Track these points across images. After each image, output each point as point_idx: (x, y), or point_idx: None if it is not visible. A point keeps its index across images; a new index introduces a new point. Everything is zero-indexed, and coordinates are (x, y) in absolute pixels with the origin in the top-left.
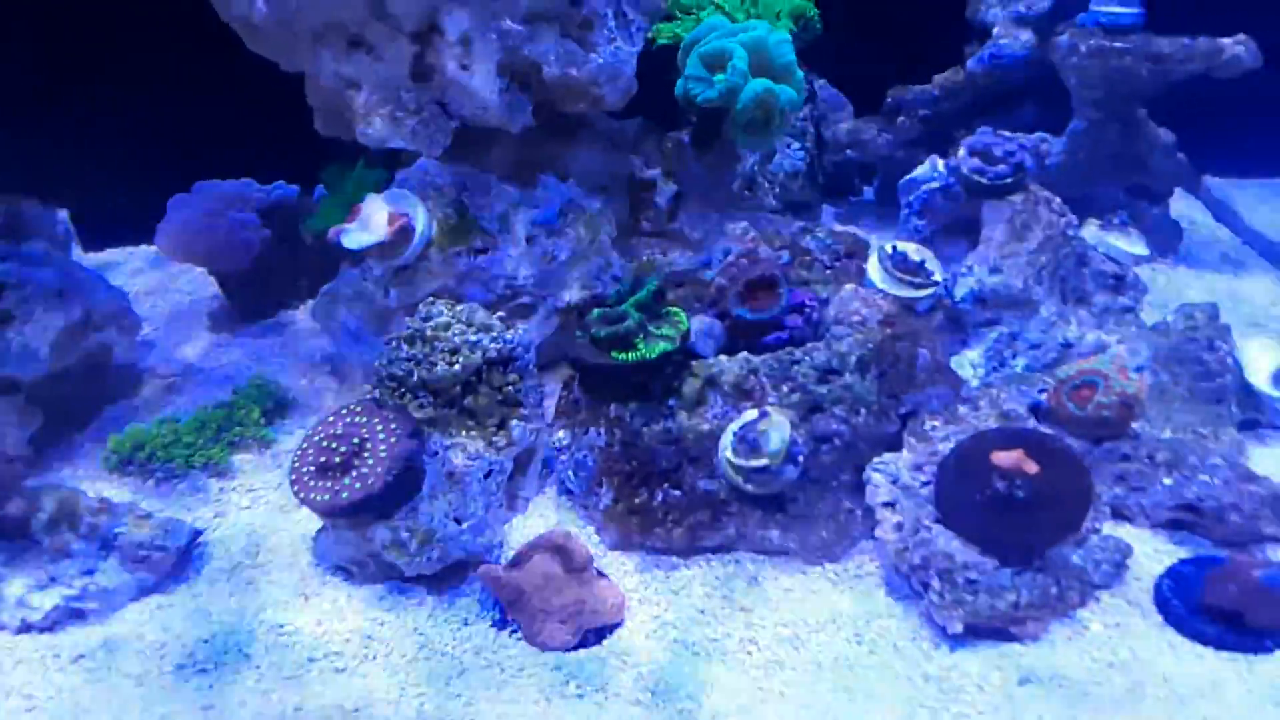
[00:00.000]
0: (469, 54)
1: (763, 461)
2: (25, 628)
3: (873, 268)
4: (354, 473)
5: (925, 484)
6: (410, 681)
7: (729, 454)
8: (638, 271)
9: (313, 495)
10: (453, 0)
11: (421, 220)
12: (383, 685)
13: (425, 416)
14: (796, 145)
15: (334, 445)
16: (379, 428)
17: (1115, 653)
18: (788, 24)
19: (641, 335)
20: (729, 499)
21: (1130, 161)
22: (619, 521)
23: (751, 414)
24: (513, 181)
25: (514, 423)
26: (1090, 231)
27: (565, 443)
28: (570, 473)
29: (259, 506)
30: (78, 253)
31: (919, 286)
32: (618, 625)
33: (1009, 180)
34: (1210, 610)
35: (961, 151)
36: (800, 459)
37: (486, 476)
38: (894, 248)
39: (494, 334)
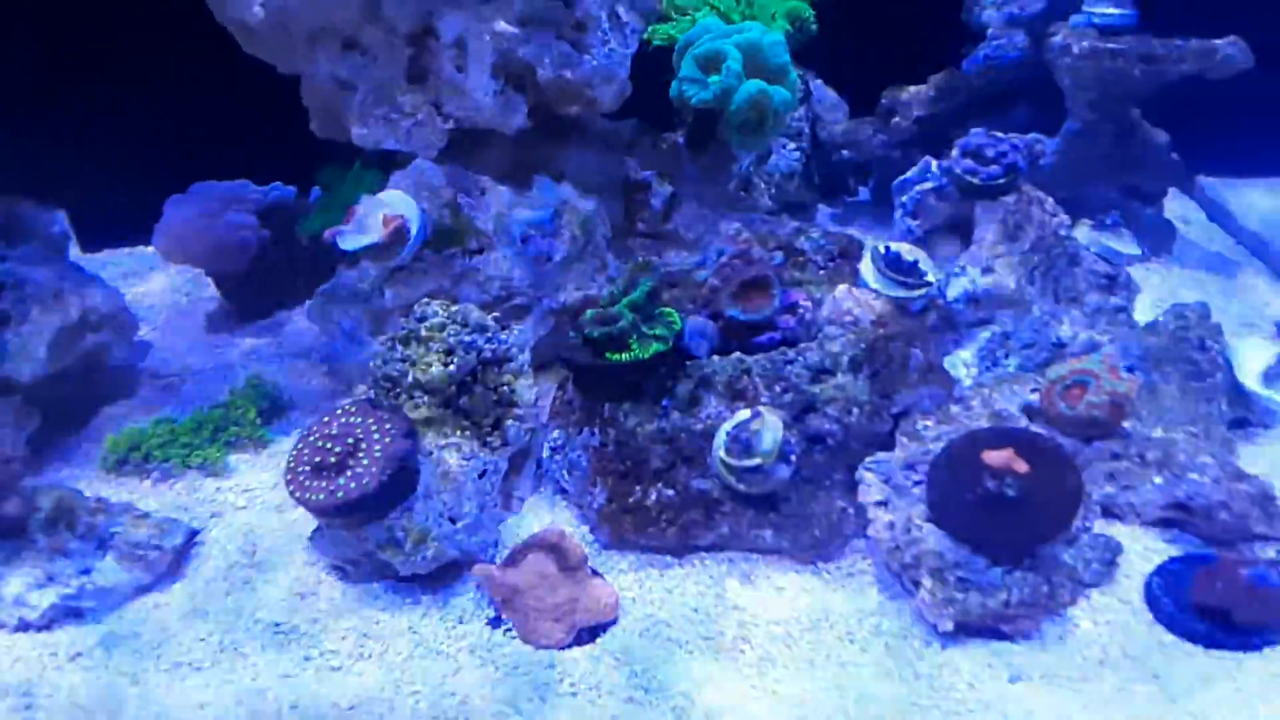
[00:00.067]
0: (463, 56)
1: (756, 461)
2: (23, 626)
3: (866, 268)
4: (349, 472)
5: (917, 483)
6: (405, 680)
7: (723, 453)
8: (633, 272)
9: (308, 495)
10: (447, 3)
11: (417, 221)
12: (378, 683)
13: (420, 417)
14: (792, 146)
15: (329, 445)
16: (374, 428)
17: (1105, 651)
18: (783, 25)
19: (635, 336)
20: (722, 498)
21: (1124, 162)
22: (613, 521)
23: (744, 414)
24: (508, 183)
25: (509, 423)
26: (1083, 232)
27: (560, 442)
28: (565, 472)
29: (255, 506)
30: (75, 253)
31: (912, 287)
32: (612, 623)
33: (1001, 181)
34: (1200, 608)
35: (955, 152)
36: (793, 458)
37: (481, 476)
38: (887, 248)
39: (489, 334)
